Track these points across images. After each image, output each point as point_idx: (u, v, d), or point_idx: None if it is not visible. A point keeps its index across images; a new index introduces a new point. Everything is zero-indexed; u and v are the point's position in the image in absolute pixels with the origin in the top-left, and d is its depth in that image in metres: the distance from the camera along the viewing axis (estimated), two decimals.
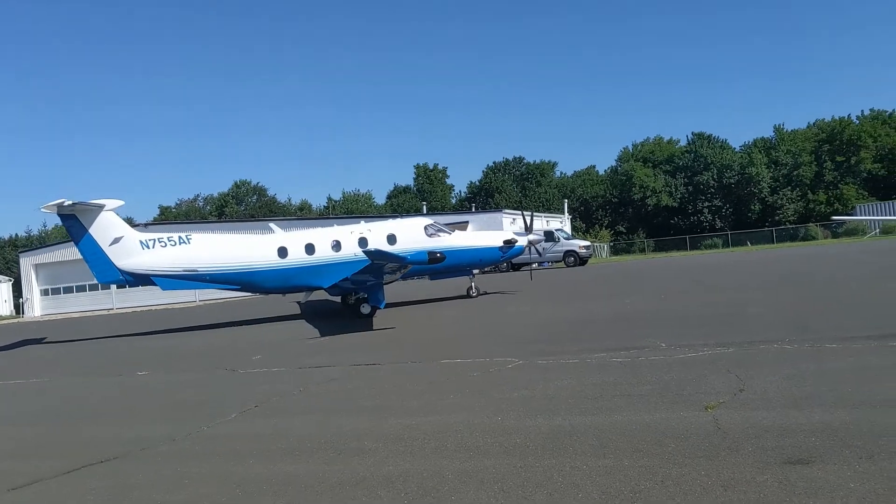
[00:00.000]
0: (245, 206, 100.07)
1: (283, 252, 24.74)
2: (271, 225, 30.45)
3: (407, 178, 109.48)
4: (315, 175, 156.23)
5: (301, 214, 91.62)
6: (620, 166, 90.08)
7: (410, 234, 24.93)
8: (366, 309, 21.78)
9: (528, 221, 26.95)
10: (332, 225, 30.04)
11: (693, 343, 10.76)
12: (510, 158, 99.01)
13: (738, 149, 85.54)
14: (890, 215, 60.96)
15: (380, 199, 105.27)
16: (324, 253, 24.84)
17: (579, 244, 49.10)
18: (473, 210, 72.94)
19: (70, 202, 23.15)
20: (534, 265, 50.24)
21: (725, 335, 11.29)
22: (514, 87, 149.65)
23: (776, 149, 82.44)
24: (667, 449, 5.86)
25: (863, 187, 76.35)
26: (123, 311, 49.46)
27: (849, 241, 53.83)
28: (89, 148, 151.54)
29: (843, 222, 63.33)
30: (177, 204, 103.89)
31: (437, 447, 6.59)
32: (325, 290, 24.93)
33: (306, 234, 26.63)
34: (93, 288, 53.80)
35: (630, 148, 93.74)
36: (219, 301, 45.52)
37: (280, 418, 8.57)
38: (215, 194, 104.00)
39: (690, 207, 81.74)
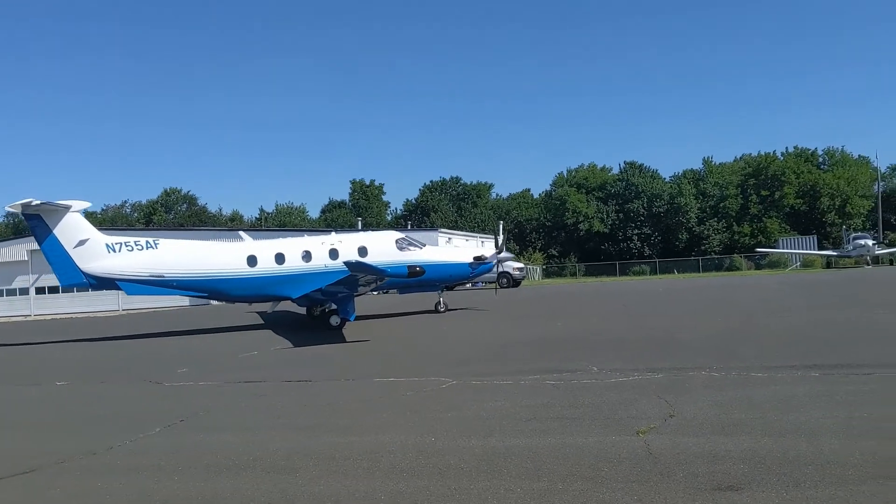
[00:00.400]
0: (174, 215, 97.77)
1: (252, 261, 24.31)
2: (241, 233, 29.88)
3: (343, 193, 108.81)
4: (248, 186, 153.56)
5: (231, 225, 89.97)
6: (555, 191, 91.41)
7: (381, 247, 24.77)
8: (335, 321, 21.57)
9: (502, 239, 27.42)
10: (303, 235, 29.75)
11: (623, 367, 10.91)
12: (447, 178, 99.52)
13: (668, 179, 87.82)
14: (810, 249, 63.37)
15: (314, 212, 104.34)
16: (294, 263, 24.45)
17: (514, 266, 49.49)
18: (409, 228, 72.85)
19: (37, 202, 22.57)
20: (467, 285, 50.58)
21: (655, 360, 11.48)
22: (453, 108, 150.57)
23: (704, 181, 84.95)
24: (601, 473, 5.88)
25: (785, 221, 79.21)
26: (42, 318, 47.50)
27: (771, 272, 55.74)
28: (13, 149, 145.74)
29: (767, 254, 65.52)
30: (103, 210, 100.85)
31: (369, 467, 6.47)
32: (293, 300, 24.66)
33: (276, 243, 26.33)
34: (10, 293, 51.62)
35: (565, 173, 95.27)
36: (143, 311, 44.22)
37: (206, 434, 8.30)
38: (144, 201, 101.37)
39: (621, 234, 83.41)
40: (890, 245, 62.45)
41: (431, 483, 5.91)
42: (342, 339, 18.33)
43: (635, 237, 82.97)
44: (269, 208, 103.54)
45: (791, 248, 64.93)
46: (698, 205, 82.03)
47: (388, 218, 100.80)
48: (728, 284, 29.37)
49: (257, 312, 28.78)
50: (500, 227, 43.54)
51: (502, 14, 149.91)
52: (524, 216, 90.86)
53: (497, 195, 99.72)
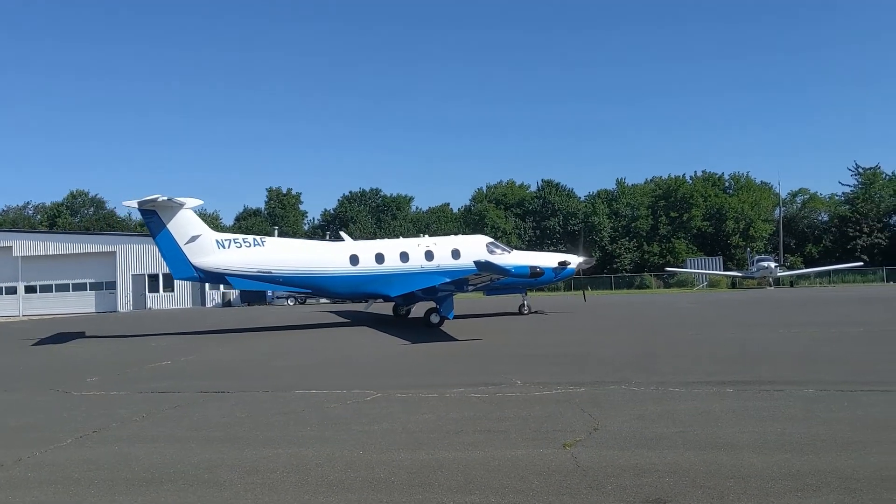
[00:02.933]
0: (80, 218, 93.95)
1: (354, 259, 25.68)
2: (341, 233, 31.28)
3: (258, 201, 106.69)
4: (159, 190, 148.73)
5: (142, 231, 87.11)
6: (474, 206, 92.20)
7: (474, 250, 26.06)
8: (435, 318, 22.88)
9: (582, 244, 28.45)
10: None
11: (547, 381, 11.05)
12: (367, 189, 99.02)
13: (582, 198, 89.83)
14: (716, 270, 65.89)
15: (227, 220, 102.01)
16: (392, 263, 25.81)
17: None
18: (327, 238, 72.12)
19: (164, 197, 23.85)
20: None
21: (577, 375, 11.69)
22: (374, 119, 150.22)
23: (617, 201, 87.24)
24: (531, 485, 5.93)
25: (693, 242, 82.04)
26: None
27: (679, 291, 57.65)
28: None
29: (675, 273, 67.73)
30: (3, 211, 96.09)
31: (297, 481, 6.33)
32: (391, 298, 26.15)
33: (375, 243, 28.46)
34: None
35: (484, 189, 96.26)
36: (46, 318, 42.27)
37: (122, 445, 7.95)
38: (48, 203, 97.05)
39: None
40: (790, 268, 65.53)
41: (363, 497, 5.83)
42: (450, 338, 19.15)
43: None
44: None
45: (698, 269, 67.35)
46: (611, 224, 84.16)
47: (305, 228, 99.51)
48: (641, 302, 30.26)
49: (332, 312, 27.90)
50: (581, 233, 46.11)
51: (426, 27, 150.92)
52: (443, 231, 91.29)
53: (417, 208, 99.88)
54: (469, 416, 8.76)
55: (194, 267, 24.68)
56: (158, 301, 56.48)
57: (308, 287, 26.04)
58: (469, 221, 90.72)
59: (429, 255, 25.89)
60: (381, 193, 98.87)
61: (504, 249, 27.02)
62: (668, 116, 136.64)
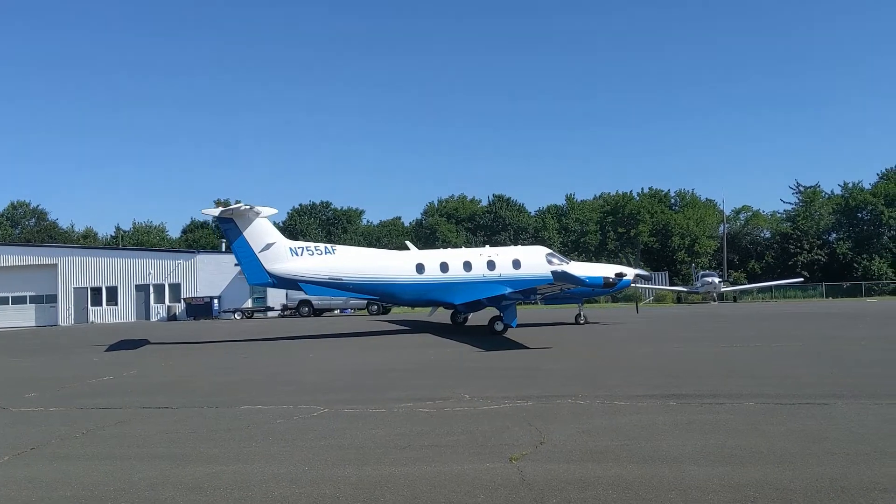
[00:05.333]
0: (21, 230, 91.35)
1: (420, 268, 26.51)
2: (407, 243, 31.85)
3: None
4: (103, 202, 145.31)
5: (85, 243, 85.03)
6: (425, 220, 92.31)
7: (534, 260, 26.96)
8: (499, 326, 23.56)
9: (636, 256, 29.00)
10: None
11: (494, 395, 11.10)
12: (317, 202, 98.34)
13: (533, 213, 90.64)
14: (662, 285, 67.02)
15: (174, 232, 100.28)
16: (456, 272, 26.64)
17: None
18: None
19: (245, 206, 24.90)
20: (336, 311, 50.18)
21: (524, 388, 11.76)
22: (324, 132, 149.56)
23: (567, 216, 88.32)
24: (477, 500, 5.95)
25: (640, 258, 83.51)
26: None
27: (626, 305, 58.40)
28: None
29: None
30: None
31: (241, 497, 6.24)
32: (455, 306, 27.19)
33: (440, 253, 29.81)
34: None
35: (436, 203, 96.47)
36: None
37: (62, 463, 7.73)
38: None
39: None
40: (733, 283, 66.98)
41: None
42: (522, 346, 19.55)
43: None
44: (127, 226, 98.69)
45: (645, 284, 68.39)
46: (560, 239, 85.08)
47: None
48: (590, 315, 30.55)
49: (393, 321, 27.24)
50: (637, 248, 47.53)
51: (382, 41, 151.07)
52: (394, 245, 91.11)
53: (368, 221, 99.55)
54: (417, 430, 8.75)
55: (268, 273, 25.42)
56: (101, 315, 55.18)
57: (377, 294, 26.95)
58: (420, 235, 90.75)
59: (491, 265, 26.71)
60: (332, 206, 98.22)
61: (562, 260, 27.73)
62: (617, 136, 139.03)
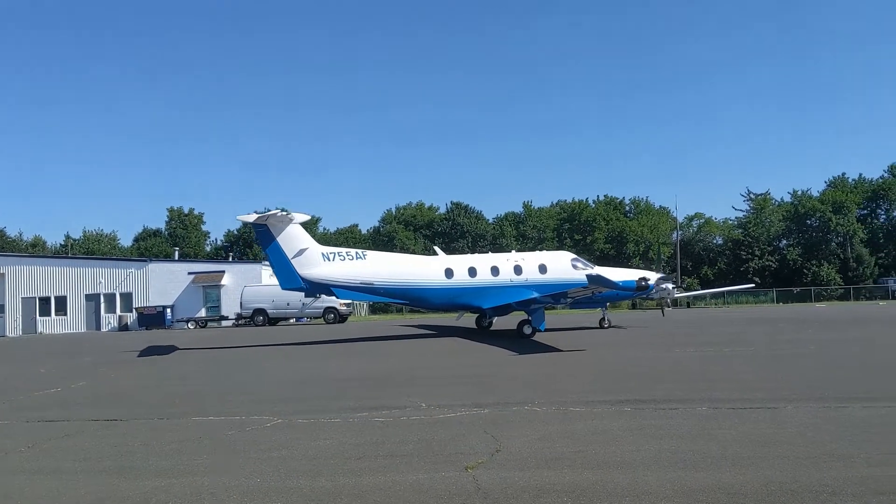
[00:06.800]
0: None
1: (449, 273, 26.94)
2: (435, 248, 32.47)
3: (159, 221, 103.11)
4: (51, 209, 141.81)
5: (34, 251, 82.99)
6: (383, 227, 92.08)
7: (559, 265, 27.47)
8: (527, 330, 23.94)
9: (658, 261, 29.49)
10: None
11: (451, 403, 11.05)
12: (272, 209, 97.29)
13: (491, 220, 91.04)
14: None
15: (126, 240, 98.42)
16: (484, 276, 27.06)
17: (340, 301, 49.11)
18: (231, 260, 70.44)
19: (281, 212, 25.59)
20: (291, 320, 49.67)
21: (480, 396, 11.74)
22: (279, 139, 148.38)
23: (524, 223, 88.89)
24: None
25: (596, 264, 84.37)
26: None
27: (582, 312, 58.83)
28: None
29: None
30: None
31: None
32: (483, 310, 27.39)
33: (468, 258, 30.03)
34: None
35: (393, 211, 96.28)
36: None
37: (5, 478, 7.49)
38: None
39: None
40: (687, 289, 67.97)
41: None
42: (555, 349, 19.83)
43: None
44: (77, 234, 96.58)
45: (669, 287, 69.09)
46: (518, 246, 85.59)
47: (208, 249, 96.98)
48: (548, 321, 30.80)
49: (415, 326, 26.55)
50: (659, 253, 48.34)
51: (341, 47, 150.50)
52: None
53: (325, 229, 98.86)
54: (372, 440, 8.65)
55: (301, 278, 25.77)
56: (50, 325, 53.84)
57: (407, 298, 27.34)
58: (378, 242, 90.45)
59: (518, 270, 27.10)
60: (251, 213, 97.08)
61: (586, 265, 28.11)
62: (573, 144, 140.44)
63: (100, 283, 54.66)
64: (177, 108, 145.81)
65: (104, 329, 53.44)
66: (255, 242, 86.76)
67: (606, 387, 12.43)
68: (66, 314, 54.35)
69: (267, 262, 25.71)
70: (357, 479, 6.88)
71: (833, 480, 6.24)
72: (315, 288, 26.91)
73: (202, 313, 53.25)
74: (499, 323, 29.99)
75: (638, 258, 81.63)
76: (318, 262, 26.01)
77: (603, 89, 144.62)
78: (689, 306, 62.09)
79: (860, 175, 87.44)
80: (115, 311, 54.12)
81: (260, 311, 48.11)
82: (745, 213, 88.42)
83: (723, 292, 65.59)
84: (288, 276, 25.90)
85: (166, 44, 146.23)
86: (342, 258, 26.43)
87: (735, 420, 9.05)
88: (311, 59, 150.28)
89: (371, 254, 27.92)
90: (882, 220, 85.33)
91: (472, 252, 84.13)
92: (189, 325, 50.75)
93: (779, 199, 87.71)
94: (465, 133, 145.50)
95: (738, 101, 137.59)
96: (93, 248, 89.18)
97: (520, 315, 26.44)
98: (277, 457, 7.98)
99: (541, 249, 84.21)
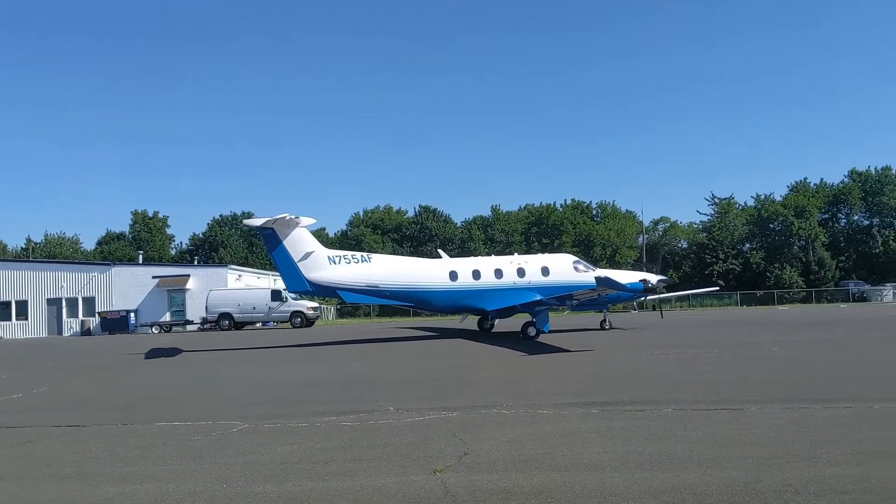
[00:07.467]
0: None
1: (453, 275, 27.22)
2: (440, 251, 32.99)
3: (122, 225, 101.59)
4: (13, 213, 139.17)
5: None
6: (350, 230, 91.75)
7: (561, 268, 27.80)
8: (532, 331, 24.16)
9: (660, 262, 30.75)
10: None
11: (420, 407, 11.02)
12: (238, 213, 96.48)
13: (459, 224, 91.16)
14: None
15: (89, 244, 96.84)
16: (487, 279, 27.34)
17: (307, 305, 48.91)
18: (196, 263, 69.65)
19: (289, 216, 25.41)
20: (257, 324, 49.23)
21: (449, 399, 11.72)
22: (246, 141, 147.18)
23: (492, 227, 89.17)
24: None
25: (660, 264, 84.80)
26: None
27: (552, 314, 59.17)
28: None
29: None
30: None
31: None
32: (487, 312, 27.84)
33: (471, 261, 30.21)
34: None
35: (361, 214, 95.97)
36: None
37: None
38: None
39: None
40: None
41: None
42: (563, 349, 20.17)
43: None
44: (38, 238, 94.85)
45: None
46: (486, 250, 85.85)
47: (173, 252, 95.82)
48: (515, 325, 30.87)
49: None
50: (660, 257, 48.69)
51: (300, 44, 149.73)
52: None
53: None
54: (339, 444, 8.59)
55: (308, 281, 25.95)
56: (11, 330, 52.79)
57: (412, 301, 27.59)
58: (345, 246, 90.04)
59: (521, 272, 27.46)
60: (254, 217, 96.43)
61: (588, 267, 28.38)
62: (540, 149, 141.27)
63: (62, 287, 53.77)
64: (141, 111, 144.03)
65: (66, 334, 52.56)
66: (263, 246, 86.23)
67: (574, 389, 12.48)
68: (27, 319, 53.38)
69: (270, 265, 26.40)
70: (324, 484, 6.83)
71: (796, 480, 6.33)
72: (321, 291, 27.25)
73: (167, 318, 52.62)
74: (500, 325, 30.36)
75: (605, 262, 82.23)
76: (324, 265, 26.22)
77: (570, 94, 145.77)
78: (654, 309, 62.68)
79: (821, 180, 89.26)
80: (77, 316, 53.29)
81: (226, 316, 47.71)
82: (709, 217, 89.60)
83: (688, 295, 66.37)
84: (294, 279, 26.12)
85: (126, 45, 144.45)
86: (347, 261, 26.69)
87: (701, 421, 9.15)
88: (286, 60, 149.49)
89: (376, 257, 28.39)
90: (843, 224, 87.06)
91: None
92: (153, 329, 50.12)
93: (742, 204, 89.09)
94: (432, 136, 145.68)
95: (701, 105, 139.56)
96: (55, 252, 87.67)
97: (523, 317, 26.71)
98: (244, 462, 7.89)
99: (509, 252, 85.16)
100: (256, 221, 26.62)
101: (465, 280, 27.23)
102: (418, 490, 6.47)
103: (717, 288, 65.62)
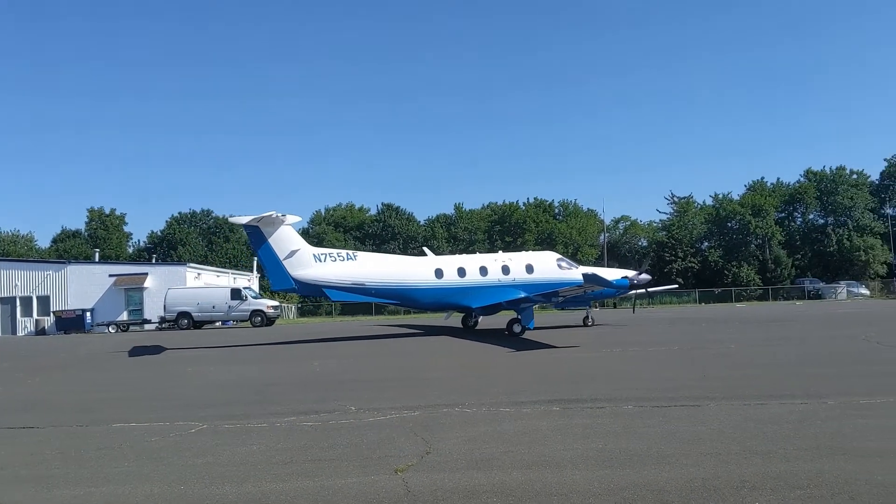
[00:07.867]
0: None
1: (439, 273, 27.36)
2: (425, 249, 32.80)
3: (78, 222, 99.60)
4: None
5: None
6: (312, 228, 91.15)
7: (545, 266, 27.93)
8: (517, 328, 24.43)
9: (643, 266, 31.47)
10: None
11: (381, 406, 10.98)
12: (197, 210, 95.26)
13: (422, 222, 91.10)
14: None
15: (43, 242, 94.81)
16: (473, 276, 27.51)
17: (267, 304, 48.49)
18: (154, 262, 68.56)
19: (276, 214, 25.42)
20: (217, 324, 48.67)
21: (410, 399, 11.70)
22: (205, 136, 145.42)
23: (455, 225, 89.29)
24: None
25: (643, 262, 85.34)
26: None
27: (513, 314, 59.42)
28: None
29: None
30: None
31: None
32: (472, 309, 27.98)
33: (456, 258, 30.54)
34: None
35: (322, 212, 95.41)
36: None
37: None
38: None
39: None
40: None
41: None
42: (548, 345, 20.41)
43: None
44: None
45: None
46: (450, 248, 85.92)
47: (130, 250, 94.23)
48: (499, 322, 31.08)
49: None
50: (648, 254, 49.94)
51: (272, 45, 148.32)
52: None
53: None
54: (300, 445, 8.52)
55: (293, 279, 25.94)
56: None
57: (397, 298, 27.71)
58: (308, 243, 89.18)
59: (505, 270, 27.59)
60: (213, 214, 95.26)
61: (571, 264, 28.59)
62: (503, 146, 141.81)
63: (15, 285, 52.56)
64: (94, 107, 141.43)
65: (20, 333, 51.38)
66: (248, 244, 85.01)
67: (534, 387, 12.55)
68: None
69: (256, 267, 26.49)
70: (284, 485, 6.76)
71: (752, 476, 6.43)
72: (307, 289, 27.32)
73: (124, 317, 51.74)
74: (486, 322, 30.52)
75: None
76: (309, 263, 26.22)
77: (531, 91, 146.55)
78: (615, 306, 63.31)
79: (778, 179, 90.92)
80: (31, 315, 52.10)
81: (185, 315, 47.07)
82: (669, 216, 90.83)
83: (647, 293, 67.18)
84: (280, 277, 26.08)
85: (72, 32, 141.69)
86: (333, 259, 26.74)
87: (660, 418, 9.25)
88: (245, 51, 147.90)
89: (362, 255, 28.55)
90: (798, 223, 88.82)
91: (405, 254, 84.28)
92: (110, 329, 49.26)
93: (701, 203, 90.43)
94: (394, 132, 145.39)
95: (659, 104, 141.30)
96: (8, 250, 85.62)
97: (508, 314, 26.94)
98: (202, 463, 7.78)
99: (472, 250, 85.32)
100: (241, 219, 26.51)
101: (451, 278, 27.38)
102: (379, 490, 6.44)
103: (676, 286, 66.50)
